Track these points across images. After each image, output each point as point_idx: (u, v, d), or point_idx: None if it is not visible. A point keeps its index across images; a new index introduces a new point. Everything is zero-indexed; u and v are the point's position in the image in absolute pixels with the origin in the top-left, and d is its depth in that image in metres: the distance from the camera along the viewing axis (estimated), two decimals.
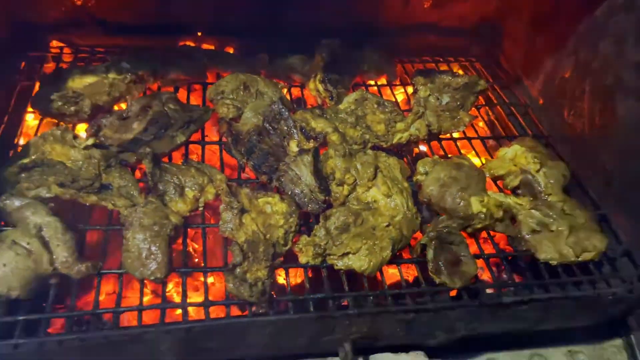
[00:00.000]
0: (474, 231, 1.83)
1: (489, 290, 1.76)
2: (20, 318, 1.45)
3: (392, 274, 2.05)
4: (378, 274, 1.69)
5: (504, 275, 1.91)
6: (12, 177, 1.67)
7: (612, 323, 2.06)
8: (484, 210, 1.80)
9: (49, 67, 2.33)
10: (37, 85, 2.11)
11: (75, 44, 2.44)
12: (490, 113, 2.54)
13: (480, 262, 1.79)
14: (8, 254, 1.47)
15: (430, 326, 1.74)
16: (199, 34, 2.53)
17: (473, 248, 1.82)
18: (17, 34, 2.30)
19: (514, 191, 2.03)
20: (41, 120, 2.03)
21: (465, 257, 1.72)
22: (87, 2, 2.31)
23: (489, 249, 1.92)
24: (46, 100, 1.95)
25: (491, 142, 2.33)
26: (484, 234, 1.89)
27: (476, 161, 2.14)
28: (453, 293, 1.74)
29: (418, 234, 1.82)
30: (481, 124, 2.55)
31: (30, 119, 2.17)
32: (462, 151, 2.34)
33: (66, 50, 2.40)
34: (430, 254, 1.70)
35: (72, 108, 1.96)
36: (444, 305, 1.66)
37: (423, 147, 2.31)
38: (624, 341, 2.12)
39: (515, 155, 2.05)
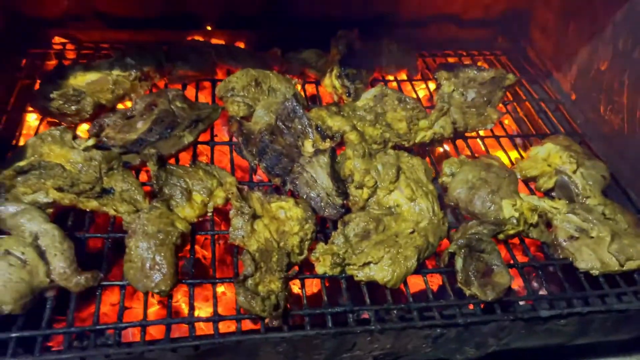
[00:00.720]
0: (506, 238, 1.69)
1: (522, 303, 1.63)
2: (14, 335, 1.35)
3: (415, 283, 1.91)
4: (402, 285, 1.56)
5: (538, 286, 1.76)
6: (8, 181, 1.56)
7: None
8: (517, 214, 1.67)
9: (51, 64, 2.26)
10: (37, 84, 2.02)
11: (79, 39, 2.37)
12: (518, 110, 2.39)
13: (513, 272, 1.65)
14: (0, 265, 1.36)
15: (459, 342, 1.61)
16: (209, 27, 2.45)
17: (505, 256, 1.69)
18: (17, 29, 2.24)
19: (548, 194, 1.90)
20: (42, 120, 1.95)
21: (498, 267, 1.58)
22: None
23: (521, 257, 1.77)
24: (46, 98, 1.88)
25: (519, 140, 2.19)
26: (516, 241, 1.75)
27: (506, 161, 2.00)
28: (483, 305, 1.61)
29: (445, 242, 1.69)
30: (507, 121, 2.40)
31: (32, 119, 2.08)
32: (490, 150, 2.20)
33: (69, 46, 2.33)
34: (459, 263, 1.57)
35: (73, 107, 1.87)
36: (475, 320, 1.52)
37: (447, 147, 2.17)
38: None
39: (549, 155, 1.92)
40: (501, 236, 1.68)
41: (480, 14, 2.58)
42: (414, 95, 2.28)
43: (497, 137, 2.12)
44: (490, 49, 2.64)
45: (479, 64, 2.55)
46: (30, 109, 1.97)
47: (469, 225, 1.67)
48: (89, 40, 2.37)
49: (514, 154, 2.08)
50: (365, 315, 1.58)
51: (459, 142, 2.10)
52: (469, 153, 2.05)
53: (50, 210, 1.58)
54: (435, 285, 1.94)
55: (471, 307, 1.59)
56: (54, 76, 1.97)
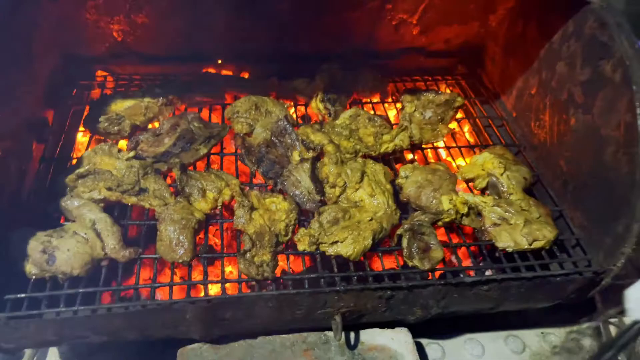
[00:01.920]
0: (444, 224, 2.19)
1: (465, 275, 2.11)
2: (81, 290, 1.84)
3: (377, 260, 2.41)
4: (362, 259, 2.06)
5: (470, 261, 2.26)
6: (71, 183, 2.10)
7: (579, 308, 2.38)
8: (452, 207, 2.17)
9: (95, 92, 2.73)
10: (86, 109, 2.52)
11: (116, 72, 2.84)
12: (471, 125, 2.90)
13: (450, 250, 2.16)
14: (70, 242, 1.90)
15: (407, 303, 2.05)
16: (219, 61, 2.90)
17: (449, 239, 2.19)
18: (69, 66, 2.72)
19: (483, 191, 2.39)
20: (91, 138, 2.45)
21: (434, 245, 2.08)
22: (126, 38, 2.72)
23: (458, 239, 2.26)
24: (94, 121, 2.38)
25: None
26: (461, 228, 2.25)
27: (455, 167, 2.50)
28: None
29: (398, 227, 2.19)
30: (467, 134, 2.91)
31: (81, 137, 2.60)
32: (449, 158, 2.71)
33: (109, 78, 2.81)
34: (404, 242, 2.06)
35: (116, 128, 2.39)
36: (415, 284, 1.99)
37: (415, 155, 2.69)
38: (592, 325, 2.45)
39: (485, 161, 2.40)
40: (440, 223, 2.18)
41: (442, 46, 3.00)
42: (385, 115, 2.80)
43: (448, 148, 2.64)
44: (452, 75, 3.09)
45: (443, 86, 3.02)
46: (82, 129, 2.50)
47: (414, 214, 2.19)
48: (124, 73, 2.82)
49: (461, 160, 2.60)
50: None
51: (425, 151, 2.62)
52: (430, 159, 2.56)
53: (102, 204, 2.13)
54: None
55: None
56: (99, 104, 2.45)
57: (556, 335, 2.44)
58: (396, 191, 2.31)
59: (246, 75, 2.94)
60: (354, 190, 2.22)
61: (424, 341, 2.27)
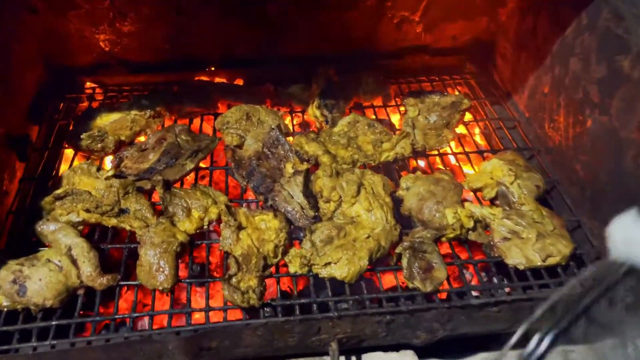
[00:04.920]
0: (448, 240, 2.01)
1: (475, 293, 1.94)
2: (54, 323, 1.73)
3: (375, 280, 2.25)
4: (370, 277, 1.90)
5: (480, 279, 2.07)
6: (48, 205, 1.99)
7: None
8: (456, 221, 1.99)
9: (84, 105, 2.65)
10: (72, 124, 2.43)
11: (105, 83, 2.75)
12: (481, 128, 2.70)
13: (454, 268, 1.99)
14: (43, 270, 1.78)
15: (410, 327, 1.90)
16: (212, 68, 2.79)
17: (461, 254, 2.02)
18: (56, 78, 2.64)
19: (492, 202, 2.20)
20: (75, 154, 2.35)
21: (437, 264, 1.91)
22: (113, 47, 2.62)
23: (465, 255, 2.09)
24: (77, 138, 2.27)
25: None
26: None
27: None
28: (442, 296, 1.91)
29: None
30: (477, 137, 2.71)
31: (69, 152, 2.49)
32: (459, 164, 2.53)
33: (97, 90, 2.72)
34: (404, 261, 1.90)
35: (99, 145, 2.27)
36: (416, 307, 1.84)
37: (422, 162, 2.51)
38: (618, 340, 2.24)
39: (494, 169, 2.22)
40: (444, 239, 2.01)
41: (448, 44, 2.84)
42: (388, 119, 2.63)
43: (454, 154, 2.46)
44: (460, 74, 2.90)
45: (450, 87, 2.85)
46: (66, 145, 2.43)
47: (415, 230, 2.02)
48: (113, 83, 2.73)
49: (469, 168, 2.41)
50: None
51: (430, 158, 2.43)
52: (437, 168, 2.39)
53: (81, 227, 2.01)
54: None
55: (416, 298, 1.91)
56: (83, 119, 2.35)
57: (577, 352, 2.24)
58: (398, 204, 2.13)
59: (240, 82, 2.83)
60: (350, 204, 2.06)
61: None
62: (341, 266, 1.87)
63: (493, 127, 2.63)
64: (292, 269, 1.92)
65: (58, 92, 2.66)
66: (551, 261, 1.92)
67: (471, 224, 2.00)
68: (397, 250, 1.93)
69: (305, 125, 2.65)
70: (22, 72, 2.39)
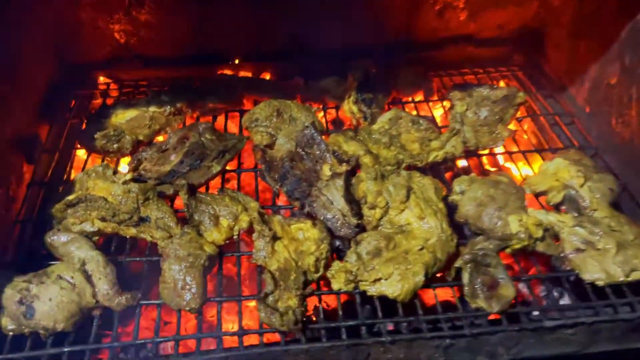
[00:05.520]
0: (513, 252, 1.76)
1: (536, 313, 1.70)
2: (66, 350, 1.53)
3: (430, 297, 2.01)
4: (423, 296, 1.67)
5: (547, 298, 1.83)
6: (59, 213, 1.77)
7: None
8: (523, 229, 1.74)
9: (97, 102, 2.47)
10: (84, 123, 2.23)
11: (120, 79, 2.57)
12: (534, 124, 2.45)
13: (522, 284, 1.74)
14: (53, 289, 1.56)
15: (470, 351, 1.68)
16: (237, 61, 2.59)
17: (515, 267, 1.77)
18: (67, 74, 2.46)
19: (558, 207, 1.95)
20: (88, 156, 2.15)
21: (503, 280, 1.66)
22: (129, 39, 2.43)
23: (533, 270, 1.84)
24: (91, 138, 2.07)
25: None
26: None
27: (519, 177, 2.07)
28: (497, 316, 1.69)
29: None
30: (525, 136, 2.46)
31: (81, 154, 2.28)
32: (508, 165, 2.28)
33: (112, 85, 2.54)
34: (465, 277, 1.66)
35: (115, 145, 2.07)
36: (482, 330, 1.61)
37: (465, 162, 2.26)
38: None
39: (558, 170, 1.96)
40: (508, 250, 1.77)
41: (494, 33, 2.62)
42: (430, 115, 2.39)
43: (510, 153, 2.20)
44: (507, 66, 2.68)
45: (496, 80, 2.62)
46: (79, 146, 2.21)
47: (476, 240, 1.77)
48: (129, 78, 2.55)
49: (526, 168, 2.16)
50: (390, 327, 1.69)
51: (475, 159, 2.20)
52: (487, 169, 2.14)
53: (96, 238, 1.79)
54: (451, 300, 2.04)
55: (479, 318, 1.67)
56: (97, 116, 2.16)
57: None
58: (450, 210, 1.88)
59: (267, 76, 2.63)
60: (398, 211, 1.81)
61: None
62: (393, 283, 1.64)
63: (548, 123, 2.37)
64: (335, 286, 1.69)
65: (69, 88, 2.49)
66: (636, 276, 1.66)
67: (540, 233, 1.74)
68: (457, 264, 1.69)
69: (339, 123, 2.41)
70: (31, 66, 2.21)
